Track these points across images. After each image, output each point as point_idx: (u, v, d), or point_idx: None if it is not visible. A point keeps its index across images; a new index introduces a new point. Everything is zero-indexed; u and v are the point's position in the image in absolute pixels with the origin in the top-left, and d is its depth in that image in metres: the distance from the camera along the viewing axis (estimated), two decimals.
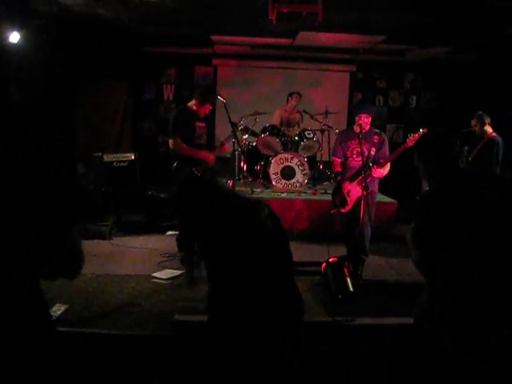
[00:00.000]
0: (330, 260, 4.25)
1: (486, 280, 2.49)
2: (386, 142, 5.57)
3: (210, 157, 5.74)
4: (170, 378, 3.39)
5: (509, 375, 2.50)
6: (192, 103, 5.77)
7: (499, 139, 6.82)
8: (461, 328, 2.57)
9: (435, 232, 2.57)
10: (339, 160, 5.69)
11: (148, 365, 3.47)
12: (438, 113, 10.63)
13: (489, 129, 6.93)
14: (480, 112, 7.01)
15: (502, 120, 7.20)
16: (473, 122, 7.03)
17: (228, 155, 8.61)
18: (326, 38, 8.33)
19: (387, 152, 5.51)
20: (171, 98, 10.57)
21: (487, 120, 6.92)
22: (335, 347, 3.41)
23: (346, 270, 4.11)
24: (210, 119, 6.30)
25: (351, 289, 4.04)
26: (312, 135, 8.40)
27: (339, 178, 5.69)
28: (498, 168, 6.83)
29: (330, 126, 8.59)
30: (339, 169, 5.69)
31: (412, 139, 5.25)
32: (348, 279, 4.08)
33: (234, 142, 6.33)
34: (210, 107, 5.84)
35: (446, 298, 2.60)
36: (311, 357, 3.24)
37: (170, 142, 5.67)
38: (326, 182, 8.63)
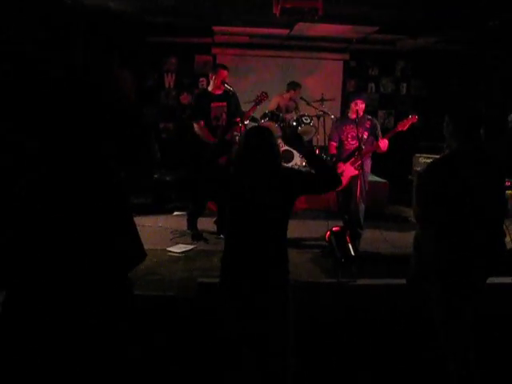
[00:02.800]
0: (334, 229, 4.76)
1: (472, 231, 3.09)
2: (378, 127, 6.13)
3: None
4: (193, 334, 3.88)
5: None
6: (210, 85, 6.19)
7: None
8: (447, 278, 3.11)
9: (433, 193, 3.12)
10: (335, 144, 6.22)
11: (173, 322, 3.96)
12: (427, 99, 11.14)
13: None
14: None
15: (487, 107, 7.68)
16: None
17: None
18: (321, 29, 8.76)
19: (380, 134, 6.06)
20: (172, 85, 10.96)
21: None
22: (339, 303, 3.94)
23: (347, 237, 4.61)
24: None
25: (352, 253, 4.55)
26: (309, 121, 8.86)
27: (334, 159, 6.22)
28: None
29: (325, 112, 9.01)
30: (334, 151, 6.24)
31: (402, 124, 5.83)
32: (349, 245, 4.59)
33: (240, 127, 6.75)
34: (225, 72, 6.11)
35: (434, 253, 3.15)
36: (319, 312, 3.77)
37: (195, 126, 6.10)
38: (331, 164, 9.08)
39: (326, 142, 7.48)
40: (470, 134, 3.17)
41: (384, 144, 5.86)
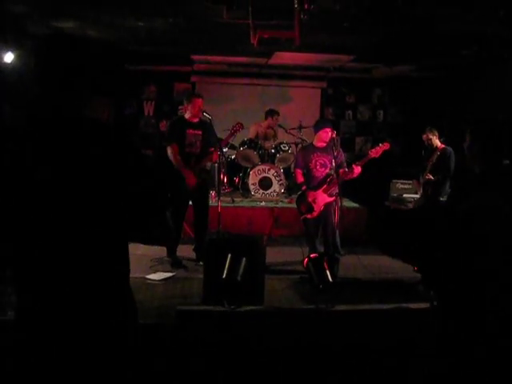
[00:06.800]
0: (311, 256, 4.81)
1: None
2: (342, 153, 6.23)
3: (190, 177, 6.07)
4: (174, 362, 3.87)
5: None
6: (186, 113, 6.25)
7: (450, 150, 7.11)
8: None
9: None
10: (301, 171, 6.27)
11: (153, 350, 3.95)
12: (403, 126, 11.36)
13: (436, 141, 7.27)
14: (429, 126, 7.41)
15: (460, 132, 7.80)
16: (424, 137, 7.39)
17: (208, 168, 9.08)
18: (298, 58, 8.94)
19: (343, 159, 6.18)
20: (151, 113, 11.06)
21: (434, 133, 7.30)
22: (318, 329, 3.96)
23: (325, 264, 4.66)
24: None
25: (330, 279, 4.60)
26: (287, 148, 9.01)
27: (304, 187, 6.24)
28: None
29: (303, 139, 9.14)
30: (302, 179, 6.25)
31: (375, 151, 5.94)
32: (327, 271, 4.63)
33: (219, 155, 6.81)
34: (200, 100, 6.10)
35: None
36: (299, 336, 3.80)
37: (168, 149, 6.15)
38: (300, 192, 9.18)
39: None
40: (500, 154, 2.63)
41: (358, 170, 5.95)
